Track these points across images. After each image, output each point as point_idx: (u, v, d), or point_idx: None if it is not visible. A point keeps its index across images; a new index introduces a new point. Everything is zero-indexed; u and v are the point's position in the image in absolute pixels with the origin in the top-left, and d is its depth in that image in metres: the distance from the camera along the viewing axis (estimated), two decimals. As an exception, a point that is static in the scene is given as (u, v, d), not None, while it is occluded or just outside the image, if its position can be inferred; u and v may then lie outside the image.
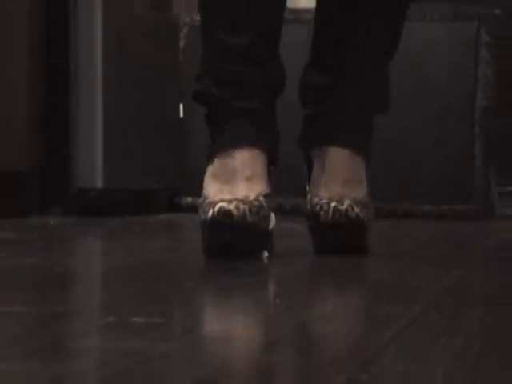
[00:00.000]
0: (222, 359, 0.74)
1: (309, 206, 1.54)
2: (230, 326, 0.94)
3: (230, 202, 1.39)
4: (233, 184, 1.45)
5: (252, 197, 1.43)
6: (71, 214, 2.78)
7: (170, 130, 3.42)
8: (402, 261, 1.64)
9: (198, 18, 3.60)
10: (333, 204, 1.48)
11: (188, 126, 3.51)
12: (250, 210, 1.40)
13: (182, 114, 3.52)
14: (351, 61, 1.64)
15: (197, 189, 3.54)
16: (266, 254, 1.45)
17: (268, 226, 1.47)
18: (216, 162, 1.49)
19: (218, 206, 1.39)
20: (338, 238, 1.51)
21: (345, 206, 1.48)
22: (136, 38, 3.14)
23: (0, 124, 2.59)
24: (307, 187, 1.61)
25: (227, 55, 1.54)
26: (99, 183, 2.95)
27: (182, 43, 3.53)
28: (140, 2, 3.23)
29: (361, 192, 1.57)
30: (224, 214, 1.38)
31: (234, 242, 1.41)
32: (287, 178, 3.25)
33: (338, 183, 1.55)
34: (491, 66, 3.39)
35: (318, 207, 1.50)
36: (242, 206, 1.39)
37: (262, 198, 1.44)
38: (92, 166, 2.92)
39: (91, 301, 1.13)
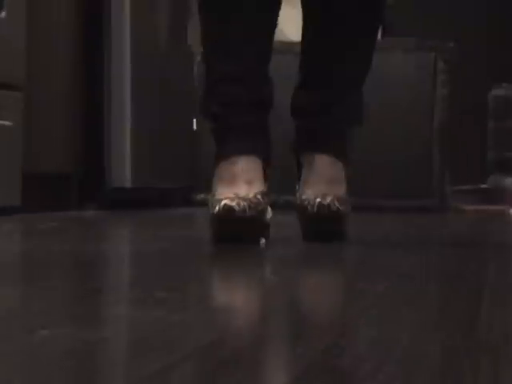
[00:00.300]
0: (228, 325, 0.73)
1: (298, 201, 1.56)
2: (234, 298, 0.93)
3: (232, 199, 1.41)
4: (235, 185, 1.45)
5: (251, 195, 1.43)
6: (104, 209, 2.78)
7: (186, 140, 3.43)
8: (372, 247, 1.64)
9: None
10: (318, 200, 1.50)
11: (200, 137, 3.51)
12: (249, 206, 1.41)
13: (195, 127, 3.53)
14: (336, 83, 1.65)
15: (207, 187, 3.55)
16: (263, 240, 1.46)
17: (265, 218, 1.48)
18: (221, 166, 1.51)
19: (222, 203, 1.40)
20: (322, 228, 1.54)
21: (328, 202, 1.49)
22: (158, 65, 3.15)
23: (48, 136, 2.59)
24: (297, 186, 1.63)
25: (226, 81, 1.55)
26: (128, 183, 2.95)
27: (195, 69, 3.53)
28: (162, 36, 3.22)
29: (341, 190, 1.57)
30: (228, 209, 1.40)
31: (236, 232, 1.43)
32: (281, 179, 3.25)
33: (322, 183, 1.55)
34: (446, 87, 3.40)
35: (305, 202, 1.52)
36: (242, 203, 1.40)
37: (259, 196, 1.45)
38: (122, 170, 2.93)
39: (120, 278, 1.13)
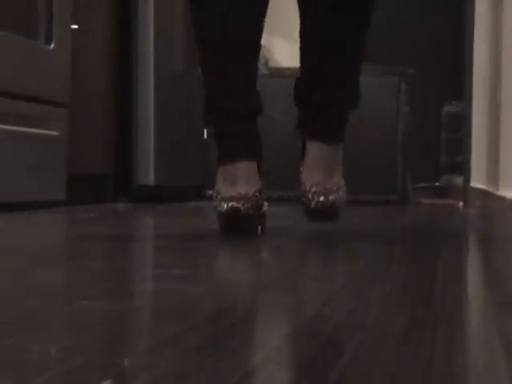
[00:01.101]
0: (234, 297, 0.73)
1: (304, 197, 1.50)
2: (238, 275, 0.93)
3: (238, 200, 1.39)
4: (236, 185, 1.42)
5: (251, 193, 1.40)
6: (132, 202, 2.78)
7: (198, 146, 3.43)
8: (348, 233, 1.64)
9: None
10: (321, 198, 1.46)
11: (209, 144, 3.51)
12: (251, 205, 1.39)
13: (205, 136, 3.53)
14: (334, 75, 1.52)
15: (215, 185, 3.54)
16: (259, 228, 1.45)
17: (262, 211, 1.45)
18: (222, 168, 1.49)
19: (230, 204, 1.39)
20: (323, 218, 1.52)
21: (329, 202, 1.47)
22: (176, 85, 3.15)
23: (88, 143, 2.59)
24: (301, 168, 1.55)
25: (222, 96, 1.49)
26: (151, 181, 2.96)
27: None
28: (179, 63, 3.22)
29: (338, 175, 1.52)
30: (234, 210, 1.38)
31: (240, 226, 1.42)
32: (276, 177, 3.25)
33: (324, 172, 1.49)
34: (408, 104, 3.40)
35: (309, 199, 1.48)
36: (246, 204, 1.38)
37: (257, 193, 1.41)
38: (147, 170, 2.93)
39: (145, 258, 1.13)
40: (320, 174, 1.50)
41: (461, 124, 3.67)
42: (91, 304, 0.66)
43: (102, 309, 0.64)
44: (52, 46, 2.32)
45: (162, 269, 0.95)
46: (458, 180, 3.90)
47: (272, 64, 5.36)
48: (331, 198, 1.47)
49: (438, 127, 4.75)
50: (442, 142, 4.69)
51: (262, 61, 5.03)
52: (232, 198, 1.40)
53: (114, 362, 0.46)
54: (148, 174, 2.94)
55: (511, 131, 2.60)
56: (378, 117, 3.38)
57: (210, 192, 3.92)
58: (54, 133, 2.32)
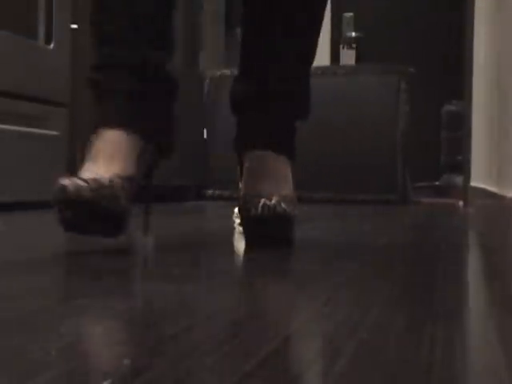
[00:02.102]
0: (234, 297, 0.73)
1: (241, 202, 1.19)
2: (238, 275, 0.93)
3: (72, 179, 0.99)
4: (95, 163, 1.05)
5: (106, 175, 1.02)
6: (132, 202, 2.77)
7: (198, 146, 3.43)
8: (348, 232, 1.64)
9: (217, 72, 3.59)
10: (262, 200, 1.14)
11: (209, 143, 3.51)
12: (89, 187, 0.98)
13: (205, 136, 3.53)
14: (274, 72, 1.27)
15: (215, 185, 3.56)
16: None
17: (119, 206, 1.04)
18: (92, 141, 1.10)
19: (57, 183, 1.00)
20: (267, 231, 1.16)
21: (273, 202, 1.13)
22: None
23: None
24: (240, 185, 1.26)
25: (104, 40, 1.14)
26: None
27: (205, 89, 3.53)
28: (180, 62, 3.22)
29: (286, 188, 1.21)
30: (60, 190, 0.98)
31: (76, 216, 1.00)
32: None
33: (266, 181, 1.19)
34: (408, 103, 3.40)
35: (248, 203, 1.16)
36: (79, 183, 0.98)
37: (117, 179, 1.03)
38: (147, 170, 2.93)
39: (145, 258, 1.12)
40: (266, 185, 1.19)
41: (461, 123, 3.68)
42: (91, 304, 0.66)
43: (102, 308, 0.64)
44: (52, 45, 2.32)
45: (162, 268, 0.94)
46: (458, 179, 3.90)
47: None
48: (282, 204, 1.14)
49: (437, 126, 4.75)
50: (441, 142, 4.70)
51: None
52: (68, 179, 1.00)
53: (114, 361, 0.46)
54: (148, 173, 2.95)
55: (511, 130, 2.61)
56: (377, 116, 3.38)
57: (210, 191, 3.92)
58: (54, 133, 2.32)
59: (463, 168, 3.51)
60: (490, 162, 2.99)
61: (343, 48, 5.36)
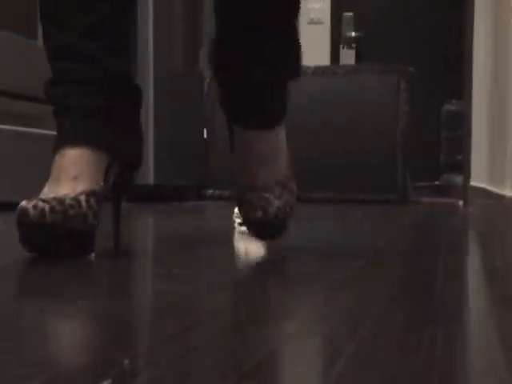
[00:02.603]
0: (234, 297, 0.73)
1: (242, 199, 1.13)
2: (238, 275, 0.93)
3: (32, 201, 0.93)
4: (59, 182, 0.98)
5: (71, 195, 0.96)
6: (132, 202, 2.78)
7: (198, 146, 3.43)
8: (350, 230, 1.64)
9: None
10: (258, 214, 1.08)
11: (209, 143, 3.51)
12: (51, 208, 0.92)
13: (205, 136, 3.53)
14: (257, 28, 1.12)
15: (215, 185, 3.56)
16: (92, 254, 0.98)
17: (86, 225, 0.97)
18: (54, 160, 1.03)
19: (19, 206, 0.94)
20: (267, 232, 1.14)
21: (274, 210, 1.10)
22: (176, 84, 3.15)
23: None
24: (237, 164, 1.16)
25: (58, 54, 1.06)
26: (151, 180, 2.95)
27: (205, 89, 3.53)
28: (178, 61, 3.22)
29: (282, 166, 1.15)
30: (22, 213, 0.93)
31: (36, 239, 0.95)
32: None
33: (262, 171, 1.12)
34: (407, 103, 3.40)
35: (248, 206, 1.11)
36: (41, 205, 0.92)
37: (82, 197, 0.97)
38: (146, 169, 2.93)
39: (144, 258, 1.12)
40: (260, 171, 1.13)
41: (461, 123, 3.68)
42: (91, 303, 0.66)
43: (102, 308, 0.64)
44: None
45: (162, 268, 0.94)
46: (458, 179, 3.90)
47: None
48: (271, 210, 1.10)
49: (437, 126, 4.75)
50: (441, 141, 4.70)
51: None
52: (35, 200, 0.94)
53: (114, 361, 0.46)
54: (148, 173, 2.94)
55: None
56: (377, 116, 3.38)
57: (210, 191, 3.92)
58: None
59: (463, 168, 3.51)
60: (491, 161, 2.99)
61: (343, 48, 5.36)
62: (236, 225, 1.61)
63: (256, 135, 1.13)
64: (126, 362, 0.46)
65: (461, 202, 3.38)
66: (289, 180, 1.16)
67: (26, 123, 2.20)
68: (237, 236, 1.40)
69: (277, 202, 1.11)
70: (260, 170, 1.13)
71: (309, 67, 3.43)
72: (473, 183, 3.35)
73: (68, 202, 0.95)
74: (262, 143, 1.13)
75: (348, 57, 5.33)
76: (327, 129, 3.39)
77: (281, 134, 1.16)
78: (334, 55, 5.34)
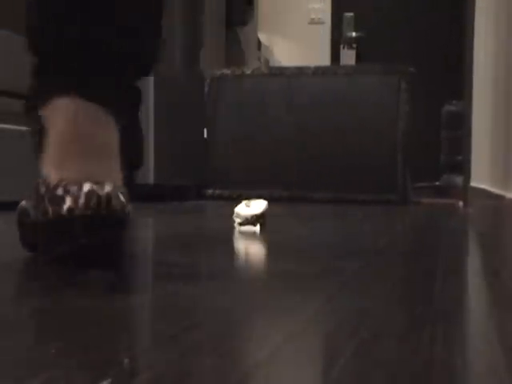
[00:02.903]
0: (234, 296, 0.73)
1: (49, 193, 0.80)
2: (238, 275, 0.93)
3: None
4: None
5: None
6: (133, 201, 2.78)
7: (198, 145, 3.43)
8: (350, 230, 1.64)
9: (217, 72, 3.59)
10: (86, 188, 0.77)
11: (209, 143, 3.51)
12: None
13: (205, 136, 3.53)
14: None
15: (215, 184, 3.56)
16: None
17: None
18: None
19: (19, 206, 0.85)
20: (94, 225, 0.80)
21: (106, 191, 0.80)
22: (176, 85, 3.15)
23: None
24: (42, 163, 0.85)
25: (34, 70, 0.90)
26: (151, 180, 2.95)
27: (206, 89, 3.53)
28: (179, 61, 3.22)
29: (110, 164, 0.85)
30: (21, 213, 0.86)
31: (34, 239, 0.85)
32: (275, 176, 3.25)
33: (91, 160, 0.81)
34: (408, 103, 3.40)
35: (60, 195, 0.79)
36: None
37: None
38: (147, 169, 2.93)
39: (144, 258, 1.12)
40: (95, 165, 0.82)
41: (461, 123, 3.68)
42: (91, 303, 0.66)
43: (102, 308, 0.64)
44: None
45: (162, 268, 0.94)
46: (458, 179, 3.90)
47: (272, 63, 5.36)
48: (107, 188, 0.79)
49: (437, 126, 4.75)
50: (441, 142, 4.70)
51: (261, 60, 5.03)
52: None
53: (113, 361, 0.46)
54: (148, 173, 2.94)
55: None
56: (377, 116, 3.38)
57: (210, 191, 3.92)
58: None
59: (463, 168, 3.51)
60: (491, 162, 2.99)
61: (343, 48, 5.36)
62: (236, 225, 1.61)
63: (84, 107, 0.87)
64: (126, 361, 0.46)
65: (461, 203, 3.38)
66: (120, 185, 0.92)
67: (25, 123, 2.20)
68: (237, 236, 1.41)
69: (109, 187, 0.83)
70: (88, 161, 0.85)
71: (309, 67, 3.43)
72: (473, 184, 3.35)
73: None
74: (91, 123, 0.86)
75: (348, 57, 5.33)
76: (327, 129, 3.39)
77: (115, 134, 0.92)
78: (335, 55, 5.34)
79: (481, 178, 3.25)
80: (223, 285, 0.81)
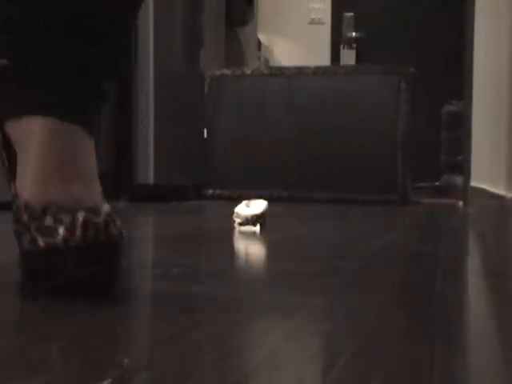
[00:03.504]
0: (234, 296, 0.73)
1: (33, 221, 0.72)
2: (238, 275, 0.93)
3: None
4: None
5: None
6: (133, 201, 2.78)
7: (198, 145, 3.43)
8: (350, 230, 1.63)
9: (217, 71, 3.60)
10: (80, 217, 0.70)
11: (209, 143, 3.51)
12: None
13: (205, 136, 3.53)
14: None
15: (215, 184, 3.55)
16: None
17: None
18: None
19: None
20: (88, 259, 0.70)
21: (102, 218, 0.71)
22: (176, 85, 3.15)
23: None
24: (12, 185, 0.77)
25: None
26: (151, 180, 2.95)
27: (206, 89, 3.53)
28: (180, 62, 3.22)
29: (95, 189, 0.78)
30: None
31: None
32: (275, 176, 3.25)
33: (66, 181, 0.74)
34: (408, 103, 3.40)
35: (49, 226, 0.71)
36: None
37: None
38: (147, 169, 2.93)
39: (145, 258, 1.12)
40: (78, 185, 0.75)
41: (461, 123, 3.68)
42: (90, 303, 0.66)
43: (102, 308, 0.64)
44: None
45: (162, 268, 0.94)
46: (458, 179, 3.90)
47: (272, 63, 5.36)
48: (103, 214, 0.71)
49: (437, 126, 4.75)
50: (441, 142, 4.70)
51: (261, 60, 5.03)
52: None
53: (113, 361, 0.46)
54: (148, 172, 2.94)
55: None
56: (377, 116, 3.38)
57: (210, 191, 3.92)
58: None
59: (463, 168, 3.51)
60: (491, 162, 2.99)
61: (343, 48, 5.36)
62: (236, 225, 1.61)
63: (56, 127, 0.78)
64: (126, 361, 0.46)
65: (461, 203, 3.38)
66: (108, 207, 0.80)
67: None
68: (237, 236, 1.40)
69: (105, 211, 0.75)
70: (70, 183, 0.78)
71: (309, 67, 3.43)
72: (473, 184, 3.35)
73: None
74: (69, 143, 0.78)
75: (348, 57, 5.33)
76: (327, 129, 3.39)
77: (91, 145, 0.85)
78: (335, 55, 5.34)
79: (481, 178, 3.25)
80: (223, 285, 0.81)
